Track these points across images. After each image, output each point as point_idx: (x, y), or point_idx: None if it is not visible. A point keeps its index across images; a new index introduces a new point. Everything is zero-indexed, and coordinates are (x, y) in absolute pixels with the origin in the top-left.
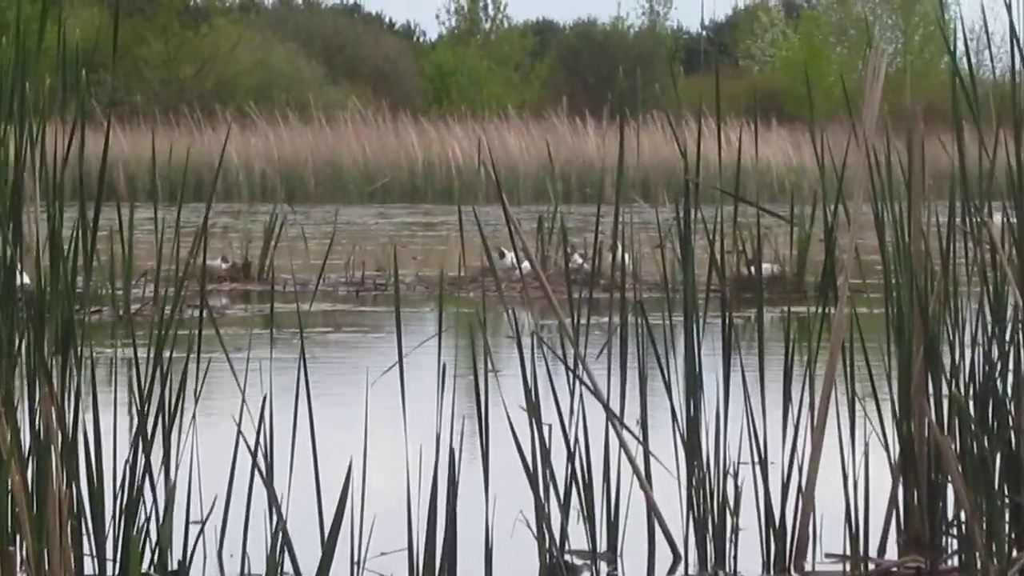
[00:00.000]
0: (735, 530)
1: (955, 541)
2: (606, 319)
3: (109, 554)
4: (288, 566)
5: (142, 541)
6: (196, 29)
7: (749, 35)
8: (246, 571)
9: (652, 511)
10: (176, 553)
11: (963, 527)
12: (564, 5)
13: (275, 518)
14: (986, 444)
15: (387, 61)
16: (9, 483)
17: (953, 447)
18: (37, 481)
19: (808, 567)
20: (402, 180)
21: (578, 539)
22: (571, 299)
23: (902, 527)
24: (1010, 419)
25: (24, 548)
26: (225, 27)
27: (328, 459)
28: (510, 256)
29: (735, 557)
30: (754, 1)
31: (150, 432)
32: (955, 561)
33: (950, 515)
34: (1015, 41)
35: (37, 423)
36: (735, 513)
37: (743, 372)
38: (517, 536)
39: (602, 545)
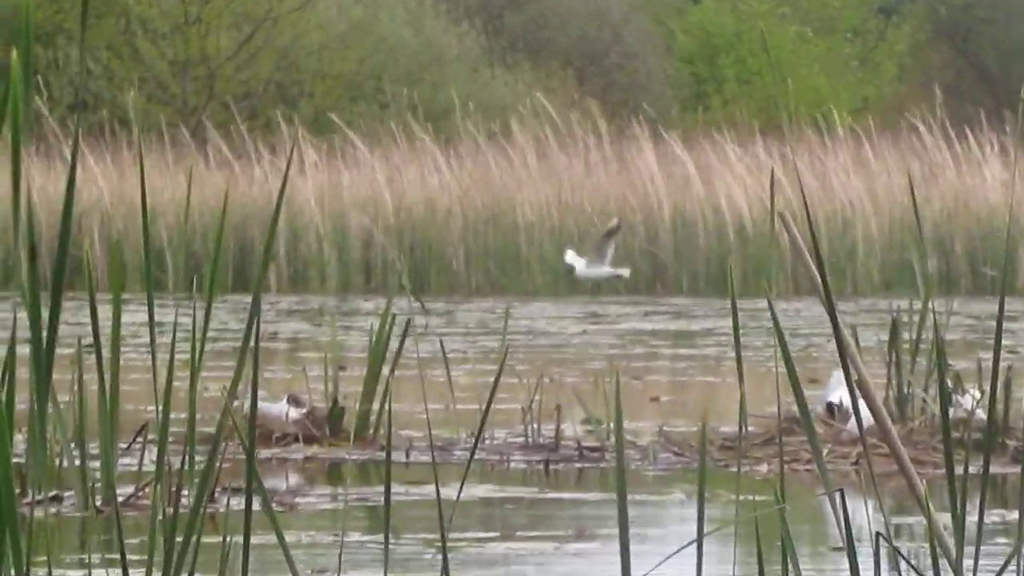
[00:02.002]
0: None
1: None
2: (1016, 514)
3: None
4: None
5: None
6: None
7: None
8: None
9: None
10: None
11: None
12: None
13: None
14: None
15: (603, 26)
16: None
17: None
18: None
19: None
20: (634, 248)
21: None
22: (951, 476)
23: None
24: None
25: None
26: None
27: None
28: (835, 393)
29: None
30: None
31: None
32: None
33: None
34: None
35: None
36: None
37: None
38: None
39: None
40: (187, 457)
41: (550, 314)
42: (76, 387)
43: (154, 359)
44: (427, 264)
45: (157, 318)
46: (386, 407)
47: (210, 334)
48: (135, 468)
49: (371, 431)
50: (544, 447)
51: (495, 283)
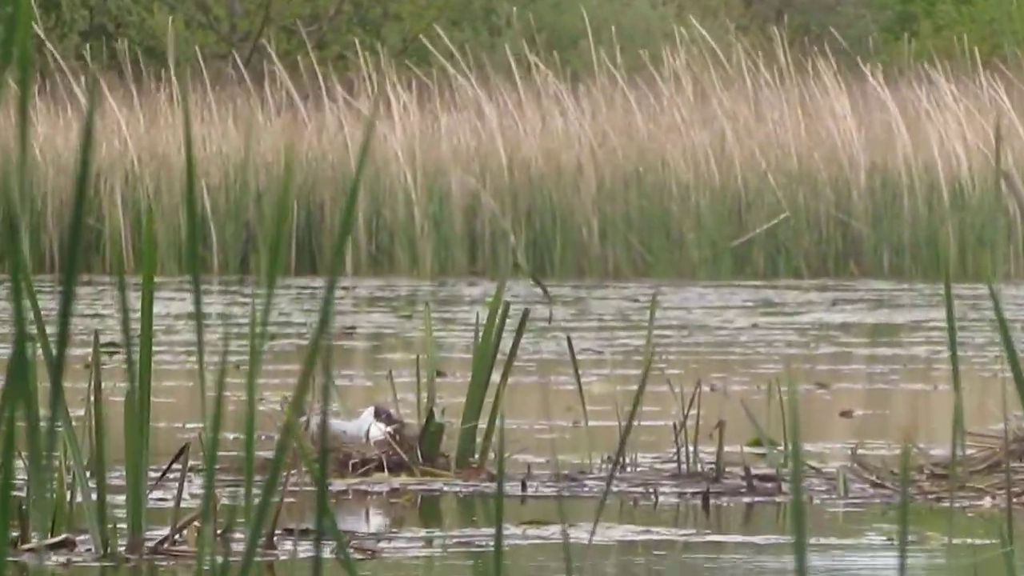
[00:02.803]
0: None
1: None
2: None
3: None
4: None
5: None
6: None
7: None
8: None
9: None
10: None
11: None
12: None
13: None
14: None
15: None
16: None
17: None
18: None
19: None
20: (819, 215)
21: None
22: None
23: None
24: None
25: None
26: None
27: None
28: None
29: None
30: None
31: None
32: None
33: None
34: None
35: None
36: None
37: None
38: None
39: None
40: (240, 490)
41: (710, 303)
42: (93, 398)
43: (201, 361)
44: (550, 237)
45: (186, 307)
46: (497, 424)
47: (269, 329)
48: (170, 504)
49: (477, 455)
50: (702, 476)
51: (638, 262)
